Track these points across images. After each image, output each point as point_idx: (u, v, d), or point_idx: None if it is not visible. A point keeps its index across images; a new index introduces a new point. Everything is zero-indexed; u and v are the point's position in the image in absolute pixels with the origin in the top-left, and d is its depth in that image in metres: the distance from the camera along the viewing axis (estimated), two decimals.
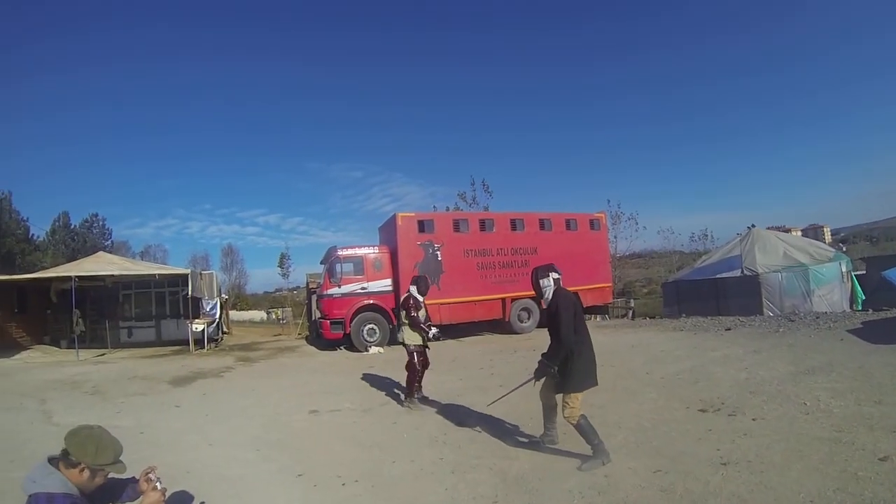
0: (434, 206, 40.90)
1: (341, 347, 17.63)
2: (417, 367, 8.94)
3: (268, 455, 6.52)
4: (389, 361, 13.81)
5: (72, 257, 36.16)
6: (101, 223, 54.50)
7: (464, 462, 5.85)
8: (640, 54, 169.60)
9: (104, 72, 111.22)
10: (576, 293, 5.82)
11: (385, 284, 17.80)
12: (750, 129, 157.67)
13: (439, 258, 17.89)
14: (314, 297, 21.90)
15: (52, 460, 2.94)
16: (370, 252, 18.18)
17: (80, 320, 19.50)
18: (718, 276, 21.33)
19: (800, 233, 66.76)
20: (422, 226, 18.09)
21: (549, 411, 5.99)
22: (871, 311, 15.33)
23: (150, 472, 3.28)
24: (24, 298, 21.18)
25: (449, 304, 17.57)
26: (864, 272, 22.77)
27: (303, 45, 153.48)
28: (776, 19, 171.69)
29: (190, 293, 18.99)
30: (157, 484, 3.22)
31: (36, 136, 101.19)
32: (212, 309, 21.11)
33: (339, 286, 17.50)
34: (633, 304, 29.38)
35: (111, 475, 3.10)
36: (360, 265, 17.83)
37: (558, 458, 5.66)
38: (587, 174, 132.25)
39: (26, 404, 10.14)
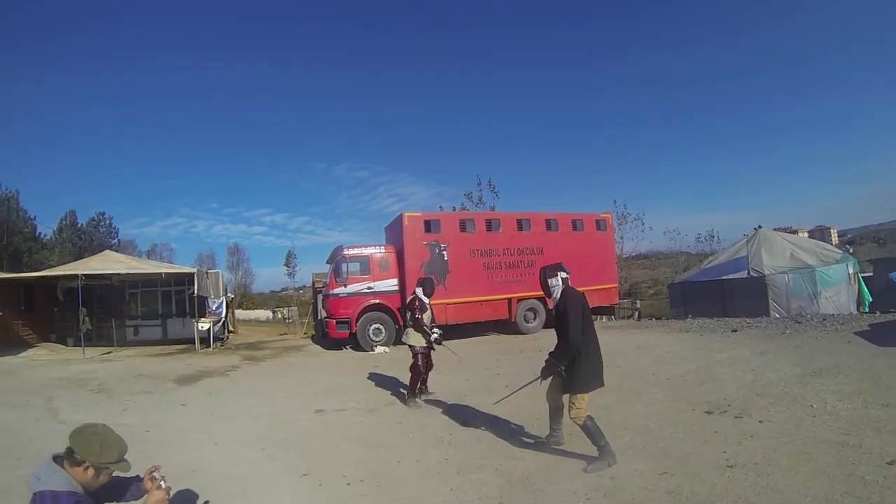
0: (440, 206, 40.87)
1: (347, 347, 17.66)
2: (421, 368, 8.95)
3: (273, 454, 6.53)
4: (395, 361, 13.79)
5: (78, 256, 36.28)
6: (107, 222, 54.78)
7: (469, 462, 5.83)
8: (645, 54, 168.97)
9: (112, 72, 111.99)
10: (583, 293, 5.78)
11: (391, 284, 17.81)
12: (756, 130, 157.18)
13: (445, 258, 17.88)
14: (320, 297, 21.95)
15: (57, 458, 2.94)
16: (376, 252, 18.19)
17: (86, 318, 19.54)
18: (725, 277, 21.28)
19: (806, 234, 66.31)
20: (428, 226, 18.09)
21: (556, 412, 5.97)
22: (878, 313, 15.26)
23: (154, 471, 3.29)
24: (31, 296, 21.26)
25: (455, 304, 17.58)
26: (872, 274, 22.68)
27: (309, 46, 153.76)
28: (780, 19, 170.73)
29: (196, 292, 19.05)
30: (162, 483, 3.22)
31: (43, 135, 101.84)
32: (218, 308, 21.15)
33: (345, 286, 17.52)
34: (638, 305, 29.39)
35: (116, 474, 3.10)
36: (366, 265, 17.84)
37: (564, 459, 5.64)
38: (593, 174, 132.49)
39: (33, 402, 10.17)
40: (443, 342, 9.25)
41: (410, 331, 9.09)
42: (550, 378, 5.87)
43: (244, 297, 63.90)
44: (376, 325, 17.34)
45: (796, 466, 4.83)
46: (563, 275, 5.74)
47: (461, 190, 58.20)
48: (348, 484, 5.39)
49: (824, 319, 14.28)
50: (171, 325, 24.32)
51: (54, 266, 28.10)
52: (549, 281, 5.76)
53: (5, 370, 14.48)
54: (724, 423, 6.41)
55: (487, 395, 8.78)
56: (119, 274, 20.73)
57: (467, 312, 18.07)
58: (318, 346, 19.26)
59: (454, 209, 38.44)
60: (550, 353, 5.76)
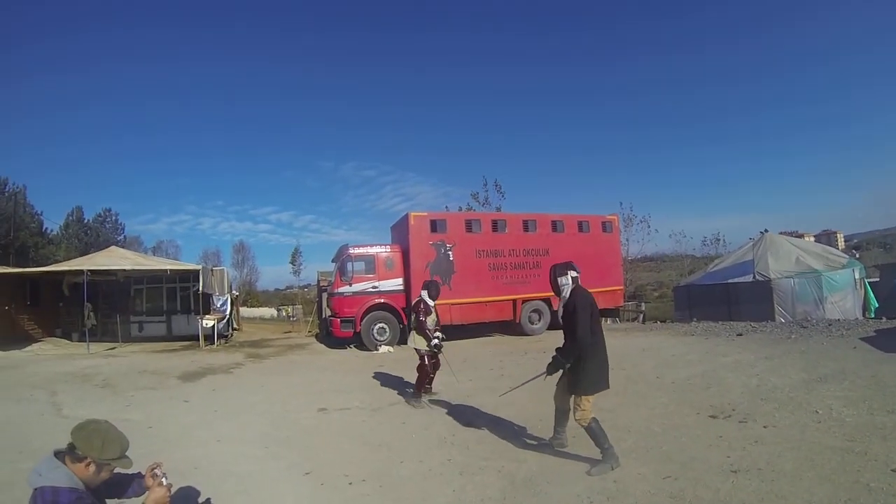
0: (446, 207, 40.87)
1: (351, 346, 17.65)
2: (428, 369, 8.95)
3: (276, 452, 6.52)
4: (399, 360, 13.80)
5: (84, 251, 36.41)
6: (114, 218, 55.04)
7: (472, 463, 5.82)
8: (653, 56, 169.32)
9: (120, 70, 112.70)
10: (592, 294, 5.75)
11: (396, 284, 17.79)
12: (764, 133, 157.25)
13: (451, 258, 17.86)
14: (325, 295, 21.93)
15: (59, 454, 2.93)
16: (382, 251, 18.18)
17: (91, 314, 19.61)
18: (730, 280, 21.23)
19: (813, 238, 66.10)
20: (434, 225, 18.06)
21: (562, 415, 5.94)
22: (884, 318, 15.20)
23: (155, 468, 3.28)
24: (36, 291, 21.34)
25: (460, 304, 17.55)
26: (878, 279, 22.59)
27: (318, 46, 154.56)
28: (790, 24, 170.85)
29: (201, 289, 19.03)
30: (163, 479, 3.21)
31: (51, 131, 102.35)
32: (222, 305, 21.15)
33: (350, 284, 17.50)
34: (643, 308, 29.20)
35: (117, 470, 3.09)
36: (371, 264, 17.83)
37: (567, 462, 5.62)
38: (600, 176, 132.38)
39: (37, 396, 10.20)
40: (442, 349, 9.21)
41: (415, 333, 9.12)
42: (559, 379, 5.85)
43: (249, 295, 64.10)
44: (381, 325, 17.33)
45: (801, 472, 4.81)
46: (573, 273, 5.71)
47: (467, 190, 58.32)
48: (350, 483, 5.38)
49: (830, 325, 14.24)
50: (176, 321, 24.37)
51: (60, 261, 28.24)
52: (559, 279, 5.73)
53: (10, 364, 14.53)
54: (728, 428, 6.39)
55: (491, 396, 8.78)
56: (124, 270, 20.71)
57: (472, 313, 18.05)
58: (322, 345, 19.25)
59: (460, 209, 38.51)
60: (557, 349, 5.75)
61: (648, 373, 10.08)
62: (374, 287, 17.61)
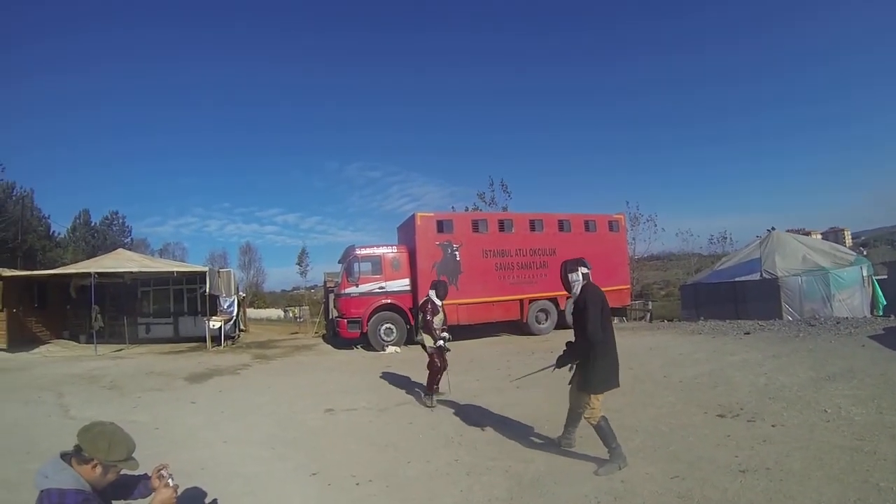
0: (453, 207, 40.73)
1: (358, 346, 17.69)
2: (438, 365, 8.97)
3: (283, 453, 6.53)
4: (406, 361, 13.80)
5: (92, 254, 36.52)
6: (121, 221, 55.30)
7: (479, 464, 5.81)
8: (659, 56, 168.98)
9: (127, 72, 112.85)
10: (603, 291, 5.71)
11: (403, 284, 17.78)
12: (771, 131, 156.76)
13: (458, 258, 17.85)
14: (331, 296, 21.97)
15: (65, 456, 2.94)
16: (388, 251, 18.17)
17: (98, 316, 19.66)
18: (737, 279, 21.16)
19: (820, 236, 65.83)
20: (441, 226, 18.08)
21: (575, 416, 5.88)
22: (892, 316, 15.11)
23: (162, 469, 3.28)
24: (44, 294, 21.39)
25: (467, 304, 17.55)
26: (886, 277, 22.48)
27: (321, 47, 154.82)
28: (795, 22, 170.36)
29: (207, 290, 19.12)
30: (169, 481, 3.21)
31: (58, 134, 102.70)
32: (229, 306, 21.21)
33: (357, 285, 17.50)
34: (650, 307, 29.18)
35: (123, 472, 3.09)
36: (378, 264, 17.83)
37: (575, 462, 5.61)
38: (606, 175, 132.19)
39: (44, 398, 10.23)
40: (448, 349, 9.22)
41: (423, 332, 9.16)
42: (572, 377, 5.81)
43: (256, 296, 64.06)
44: (387, 325, 17.33)
45: (809, 472, 4.78)
46: (584, 270, 5.66)
47: (474, 190, 58.11)
48: (357, 484, 5.38)
49: (838, 323, 14.16)
50: (183, 323, 24.43)
51: (68, 264, 28.39)
52: (570, 276, 5.69)
53: (18, 366, 14.60)
54: (736, 427, 6.36)
55: (498, 396, 8.79)
56: (132, 272, 20.84)
57: (479, 313, 18.04)
58: (329, 346, 19.28)
59: (467, 209, 38.45)
60: (568, 343, 5.73)
61: (656, 372, 10.05)
62: (380, 288, 17.61)
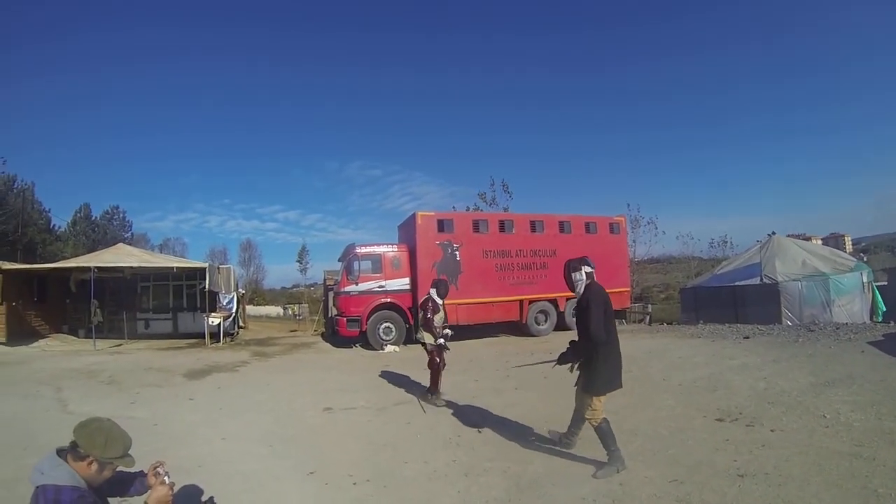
0: (453, 206, 40.75)
1: (357, 345, 17.68)
2: (438, 362, 8.96)
3: (280, 451, 6.52)
4: (405, 360, 13.79)
5: (92, 248, 36.61)
6: (121, 215, 55.36)
7: (477, 465, 5.80)
8: (661, 60, 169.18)
9: (128, 70, 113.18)
10: (607, 292, 5.68)
11: (403, 283, 17.78)
12: (772, 136, 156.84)
13: (458, 258, 17.84)
14: (331, 294, 21.94)
15: (61, 452, 2.92)
16: (389, 250, 18.16)
17: (98, 310, 19.66)
18: (737, 283, 21.12)
19: (820, 241, 65.80)
20: (441, 225, 18.06)
21: (580, 416, 5.84)
22: (892, 323, 15.09)
23: (158, 467, 3.27)
24: (44, 287, 21.39)
25: (466, 304, 17.53)
26: (886, 283, 22.44)
27: (326, 47, 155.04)
28: (797, 28, 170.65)
29: (207, 287, 19.08)
30: (166, 478, 3.20)
31: (60, 129, 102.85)
32: (228, 303, 21.17)
33: (357, 284, 17.48)
34: (650, 310, 29.14)
35: (120, 469, 3.08)
36: (378, 263, 17.81)
37: (573, 464, 5.60)
38: (607, 177, 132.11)
39: (42, 392, 10.23)
40: (448, 347, 9.21)
41: (423, 329, 9.17)
42: (577, 379, 5.78)
43: (255, 293, 64.16)
44: (387, 324, 17.33)
45: (808, 477, 4.77)
46: (588, 269, 5.65)
47: (475, 190, 58.18)
48: (355, 483, 5.37)
49: (838, 328, 14.14)
50: (182, 319, 24.45)
51: (68, 258, 28.28)
52: (573, 275, 5.67)
53: (17, 360, 14.60)
54: (735, 432, 6.35)
55: (497, 397, 8.79)
56: (131, 267, 20.75)
57: (478, 313, 18.04)
58: (328, 344, 19.24)
59: (468, 209, 38.34)
60: (571, 342, 5.71)
61: (655, 375, 10.04)
62: (380, 286, 17.59)
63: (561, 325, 18.75)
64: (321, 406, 8.91)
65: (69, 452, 2.92)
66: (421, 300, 9.82)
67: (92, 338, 18.41)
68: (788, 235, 26.01)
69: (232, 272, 23.36)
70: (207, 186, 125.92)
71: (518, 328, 19.01)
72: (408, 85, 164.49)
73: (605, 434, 5.32)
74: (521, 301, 18.48)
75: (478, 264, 18.11)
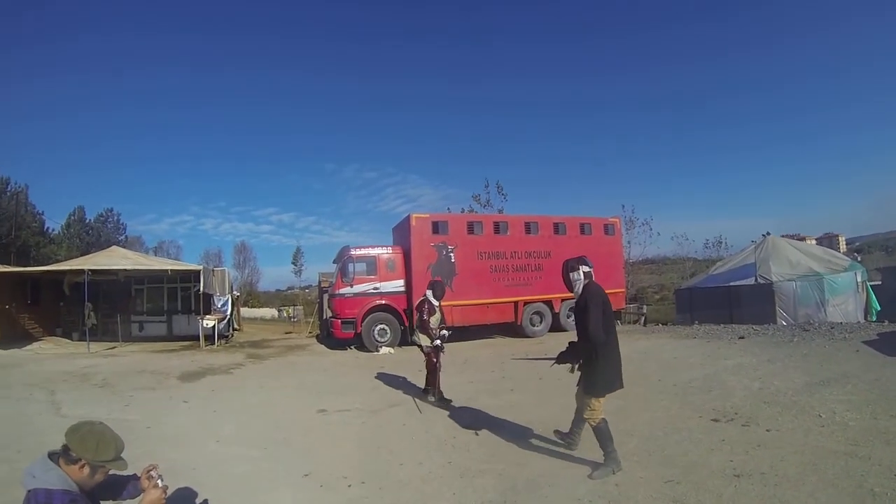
0: (448, 208, 40.63)
1: (352, 347, 17.62)
2: (435, 362, 8.97)
3: (275, 453, 6.49)
4: (400, 362, 13.76)
5: (86, 251, 36.43)
6: (115, 218, 55.07)
7: (472, 467, 5.78)
8: (661, 67, 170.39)
9: (122, 73, 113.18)
10: (605, 292, 5.65)
11: (398, 285, 17.75)
12: (766, 138, 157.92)
13: (453, 260, 17.83)
14: (326, 296, 21.91)
15: (53, 456, 2.90)
16: (383, 252, 18.13)
17: (91, 313, 19.56)
18: (732, 283, 21.14)
19: (815, 241, 66.03)
20: (436, 227, 18.04)
21: (581, 417, 5.84)
22: (886, 322, 15.14)
23: (151, 470, 3.24)
24: (37, 290, 21.34)
25: (461, 305, 17.51)
26: (880, 283, 22.52)
27: (324, 51, 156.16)
28: (790, 34, 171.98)
29: (202, 289, 19.04)
30: (159, 482, 3.17)
31: (54, 132, 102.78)
32: (223, 305, 21.16)
33: (352, 286, 17.46)
34: (645, 310, 29.14)
35: (112, 472, 3.05)
36: (372, 265, 17.79)
37: (568, 465, 5.59)
38: (602, 179, 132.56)
39: (36, 395, 10.17)
40: (442, 348, 9.20)
41: (419, 331, 9.16)
42: (578, 379, 5.76)
43: (250, 296, 64.11)
44: (381, 326, 17.30)
45: (804, 477, 4.77)
46: (586, 268, 5.60)
47: (469, 192, 58.14)
48: (349, 486, 5.34)
49: (832, 328, 14.18)
50: (177, 321, 24.36)
51: (61, 261, 28.25)
52: (571, 275, 5.63)
53: (10, 363, 14.53)
54: (730, 432, 6.35)
55: (492, 399, 8.77)
56: (125, 270, 20.72)
57: (473, 315, 18.02)
58: (323, 346, 19.23)
59: (462, 211, 38.26)
60: (570, 343, 5.69)
61: (650, 375, 10.01)
62: (375, 288, 17.57)
63: (556, 327, 18.77)
64: (316, 408, 8.87)
65: (61, 456, 2.89)
66: (417, 302, 9.80)
67: (86, 340, 18.31)
68: (783, 236, 26.07)
69: (227, 274, 23.32)
70: (202, 189, 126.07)
71: (513, 330, 18.99)
72: (405, 89, 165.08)
73: (602, 434, 5.30)
74: (515, 302, 18.48)
75: (472, 266, 18.09)
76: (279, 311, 55.95)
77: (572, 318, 18.17)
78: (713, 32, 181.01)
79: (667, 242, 67.22)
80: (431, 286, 9.36)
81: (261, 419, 8.27)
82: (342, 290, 17.50)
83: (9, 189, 42.03)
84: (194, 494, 4.90)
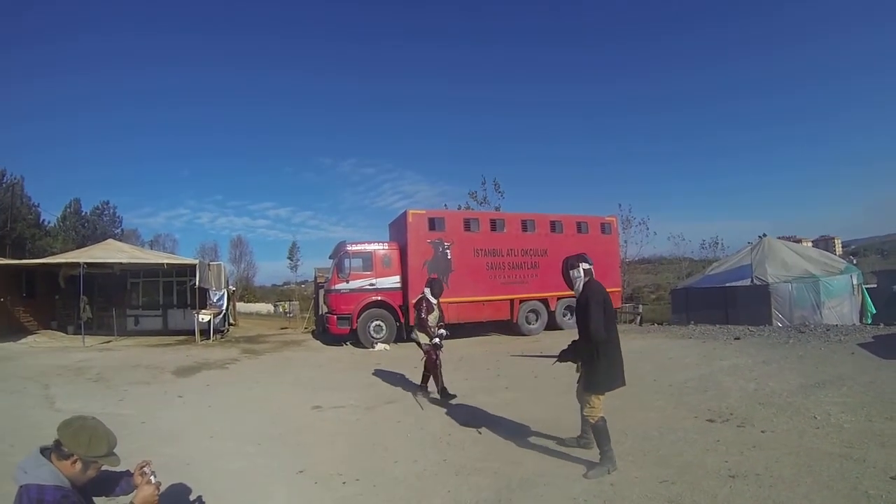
0: (445, 205, 40.60)
1: (347, 343, 17.62)
2: (435, 360, 8.96)
3: (269, 450, 6.47)
4: (395, 359, 13.76)
5: (81, 244, 36.32)
6: (111, 211, 55.08)
7: (467, 464, 5.77)
8: (661, 68, 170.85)
9: (120, 69, 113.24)
10: (606, 290, 5.62)
11: (394, 281, 17.75)
12: (764, 140, 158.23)
13: (449, 257, 17.83)
14: (322, 292, 21.90)
15: (45, 451, 2.88)
16: (379, 248, 18.15)
17: (87, 307, 19.55)
18: (728, 284, 21.16)
19: (811, 244, 66.16)
20: (432, 223, 18.03)
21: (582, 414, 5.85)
22: (881, 325, 15.16)
23: (144, 466, 3.23)
24: (32, 283, 21.26)
25: (457, 303, 17.47)
26: (875, 285, 22.58)
27: (323, 49, 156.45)
28: (789, 38, 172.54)
29: (197, 283, 19.01)
30: (152, 478, 3.16)
31: (51, 125, 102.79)
32: (219, 300, 21.11)
33: (348, 281, 17.44)
34: (640, 310, 29.17)
35: (104, 468, 3.03)
36: (368, 261, 17.79)
37: (564, 464, 5.58)
38: (600, 178, 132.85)
39: (30, 388, 10.15)
40: (440, 346, 9.19)
41: (417, 329, 9.17)
42: (579, 377, 5.74)
43: (246, 290, 64.02)
44: (377, 322, 17.30)
45: (799, 479, 4.76)
46: (586, 266, 5.57)
47: (466, 189, 57.99)
48: (344, 483, 5.33)
49: (828, 330, 14.20)
50: (172, 315, 24.27)
51: (57, 253, 28.14)
52: (571, 272, 5.60)
53: (4, 356, 14.48)
54: (726, 432, 6.34)
55: (488, 396, 8.77)
56: (121, 263, 20.70)
57: (469, 312, 18.03)
58: (319, 342, 19.21)
59: (459, 208, 38.19)
60: (573, 341, 5.67)
61: (645, 375, 10.00)
62: (371, 284, 17.56)
63: (551, 325, 18.80)
64: (310, 404, 8.86)
65: (53, 451, 2.87)
66: (415, 299, 9.79)
67: (81, 334, 18.32)
68: (779, 238, 26.11)
69: (222, 269, 23.28)
70: (199, 183, 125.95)
71: (508, 327, 19.00)
72: (404, 89, 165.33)
73: (600, 433, 5.29)
74: (511, 300, 18.50)
75: (469, 263, 18.09)
76: (275, 306, 55.92)
77: (568, 316, 18.41)
78: (712, 35, 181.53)
79: (663, 242, 67.54)
80: (429, 284, 9.36)
81: (256, 415, 8.26)
82: (338, 286, 17.48)
83: (4, 181, 41.92)
84: (188, 490, 4.88)
